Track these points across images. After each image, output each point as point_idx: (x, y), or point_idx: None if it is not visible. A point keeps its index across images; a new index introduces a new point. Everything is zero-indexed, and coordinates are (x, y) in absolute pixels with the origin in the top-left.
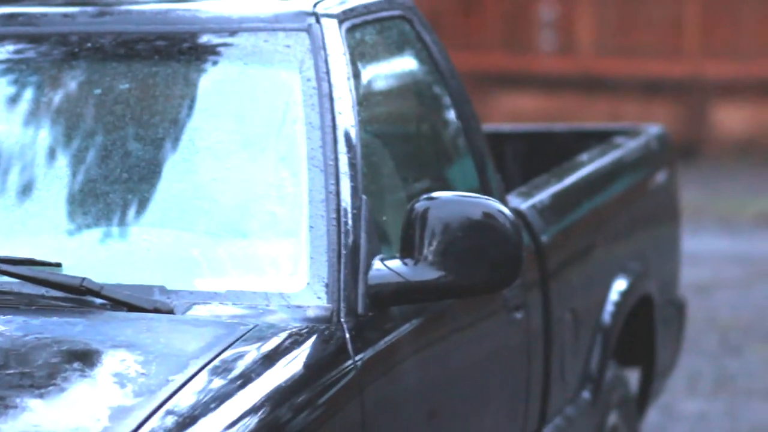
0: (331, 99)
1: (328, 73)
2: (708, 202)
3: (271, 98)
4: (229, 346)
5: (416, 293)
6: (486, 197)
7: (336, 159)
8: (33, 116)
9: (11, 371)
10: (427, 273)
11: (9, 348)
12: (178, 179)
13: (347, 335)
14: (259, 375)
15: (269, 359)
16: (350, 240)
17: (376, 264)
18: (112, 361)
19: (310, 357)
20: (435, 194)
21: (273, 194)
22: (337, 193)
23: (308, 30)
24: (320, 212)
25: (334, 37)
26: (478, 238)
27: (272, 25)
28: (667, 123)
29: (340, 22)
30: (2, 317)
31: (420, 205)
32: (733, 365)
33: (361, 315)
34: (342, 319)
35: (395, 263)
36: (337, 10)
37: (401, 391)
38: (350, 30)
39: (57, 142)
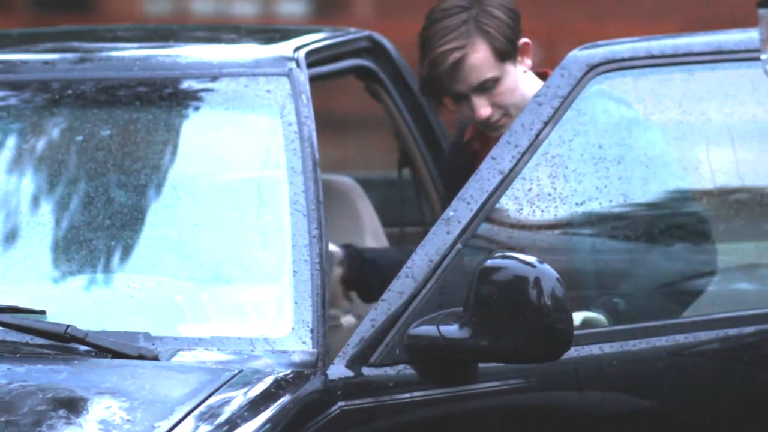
0: (313, 143)
1: (309, 117)
2: None
3: (253, 143)
4: (214, 392)
5: (447, 351)
6: (545, 264)
7: (318, 203)
8: (15, 164)
9: None
10: (462, 333)
11: None
12: (161, 225)
13: (331, 380)
14: (244, 420)
15: (255, 405)
16: None
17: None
18: (98, 408)
19: (295, 402)
20: (495, 255)
21: (256, 240)
22: (321, 238)
23: (289, 75)
24: (304, 257)
25: None
26: (524, 305)
27: (253, 70)
28: None
29: None
30: None
31: (479, 264)
32: None
33: (371, 363)
34: (328, 365)
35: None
36: None
37: None
38: None
39: (39, 189)
